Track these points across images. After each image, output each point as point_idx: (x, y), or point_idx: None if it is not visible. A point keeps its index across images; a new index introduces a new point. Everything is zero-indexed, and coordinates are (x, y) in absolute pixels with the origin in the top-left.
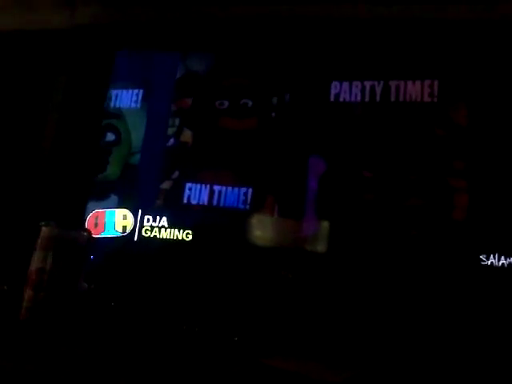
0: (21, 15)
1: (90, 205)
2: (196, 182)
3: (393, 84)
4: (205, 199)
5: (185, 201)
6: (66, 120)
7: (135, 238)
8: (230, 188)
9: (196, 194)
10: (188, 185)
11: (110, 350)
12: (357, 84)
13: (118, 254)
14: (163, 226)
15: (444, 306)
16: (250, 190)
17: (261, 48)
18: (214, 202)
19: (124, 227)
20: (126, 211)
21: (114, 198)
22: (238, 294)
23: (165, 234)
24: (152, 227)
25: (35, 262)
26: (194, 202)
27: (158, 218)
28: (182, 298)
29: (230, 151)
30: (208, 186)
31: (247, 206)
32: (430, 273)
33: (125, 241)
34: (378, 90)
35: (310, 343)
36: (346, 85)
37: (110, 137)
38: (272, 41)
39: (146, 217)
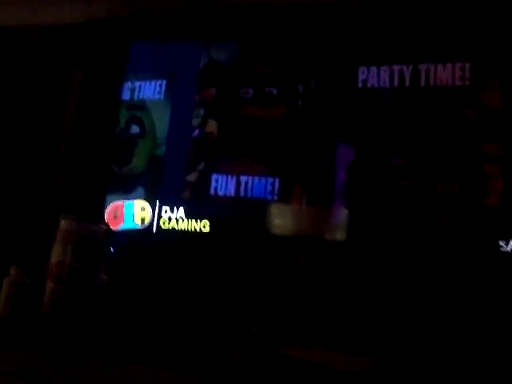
0: (35, 10)
1: (117, 198)
2: (222, 173)
3: (422, 68)
4: (232, 190)
5: (211, 192)
6: (83, 113)
7: (154, 230)
8: (256, 178)
9: (222, 185)
10: (214, 176)
11: (129, 341)
12: (385, 69)
13: (137, 245)
14: (181, 218)
15: (476, 296)
16: (278, 180)
17: (285, 34)
18: (241, 193)
19: (142, 219)
20: (143, 203)
21: (140, 190)
22: (256, 284)
23: (183, 225)
24: (170, 218)
25: (55, 255)
26: (220, 193)
27: (175, 209)
28: (201, 288)
29: (256, 141)
30: (235, 176)
31: (274, 197)
32: (462, 262)
33: (144, 232)
34: (407, 74)
35: (327, 332)
36: (373, 70)
37: (135, 129)
38: (296, 27)
39: (164, 208)
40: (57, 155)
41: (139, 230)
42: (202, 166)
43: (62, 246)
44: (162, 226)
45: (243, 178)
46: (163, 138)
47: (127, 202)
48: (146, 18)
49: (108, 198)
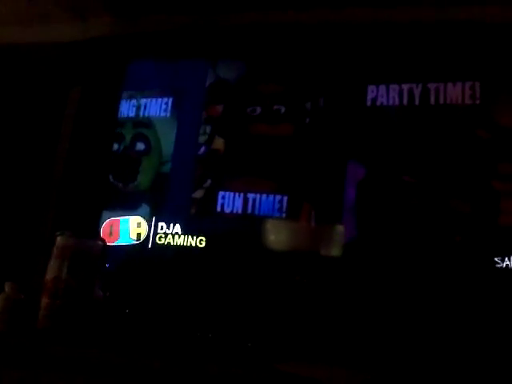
0: (33, 28)
1: (121, 214)
2: (229, 191)
3: (432, 86)
4: (239, 207)
5: (218, 209)
6: (80, 131)
7: (149, 246)
8: (264, 196)
9: (230, 202)
10: (221, 193)
11: (124, 357)
12: (394, 87)
13: (133, 261)
14: (177, 233)
15: (488, 315)
16: (286, 198)
17: (293, 53)
18: (249, 210)
19: (138, 234)
20: (139, 218)
21: (145, 207)
22: (252, 300)
23: (182, 241)
24: (166, 234)
25: (51, 271)
26: (227, 210)
27: (171, 225)
28: (197, 304)
29: (264, 158)
30: (242, 194)
31: (283, 214)
32: (474, 281)
33: (139, 248)
34: (417, 92)
35: (324, 347)
36: (382, 88)
37: (140, 146)
38: (304, 45)
39: (159, 224)
40: (53, 172)
41: (136, 245)
42: (208, 183)
43: (58, 262)
44: (158, 242)
45: (251, 195)
46: (169, 155)
47: (123, 218)
48: (146, 37)
49: (112, 214)
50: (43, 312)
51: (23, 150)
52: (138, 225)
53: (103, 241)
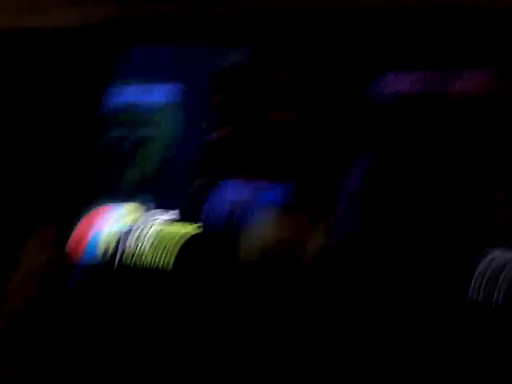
0: (29, 15)
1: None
2: (235, 179)
3: (448, 74)
4: (243, 197)
5: (219, 198)
6: (67, 118)
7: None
8: (268, 185)
9: (234, 191)
10: (226, 182)
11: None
12: (408, 75)
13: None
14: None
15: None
16: (290, 187)
17: (301, 40)
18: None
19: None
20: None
21: (148, 194)
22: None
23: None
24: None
25: (29, 264)
26: (231, 199)
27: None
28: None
29: (270, 147)
30: (247, 182)
31: (287, 204)
32: None
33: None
34: (430, 80)
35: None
36: (393, 76)
37: (146, 132)
38: (313, 32)
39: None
40: (39, 160)
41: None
42: (214, 171)
43: (35, 253)
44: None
45: (255, 184)
46: (174, 142)
47: (95, 233)
48: (140, 23)
49: (111, 202)
50: (15, 305)
51: (10, 139)
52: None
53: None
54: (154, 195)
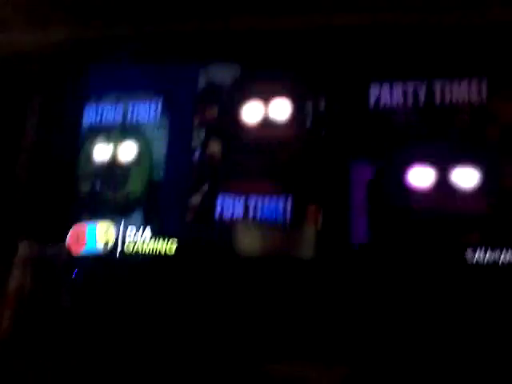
0: None
1: (115, 222)
2: (228, 195)
3: (437, 84)
4: (239, 212)
5: (217, 215)
6: (43, 137)
7: (117, 253)
8: (266, 198)
9: (229, 207)
10: (220, 198)
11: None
12: (398, 86)
13: (101, 268)
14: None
15: None
16: (290, 200)
17: (286, 57)
18: (250, 215)
19: (106, 241)
20: (107, 224)
21: (138, 215)
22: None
23: (147, 248)
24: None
25: (13, 281)
26: (227, 215)
27: (141, 229)
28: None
29: (264, 160)
30: (242, 197)
31: (287, 218)
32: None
33: (107, 255)
34: (422, 91)
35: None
36: (386, 87)
37: (129, 152)
38: (304, 44)
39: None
40: (17, 180)
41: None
42: (205, 187)
43: (21, 271)
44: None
45: (252, 199)
46: (161, 161)
47: (90, 225)
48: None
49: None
50: (5, 323)
51: None
52: (106, 231)
53: (67, 248)
54: (144, 215)
